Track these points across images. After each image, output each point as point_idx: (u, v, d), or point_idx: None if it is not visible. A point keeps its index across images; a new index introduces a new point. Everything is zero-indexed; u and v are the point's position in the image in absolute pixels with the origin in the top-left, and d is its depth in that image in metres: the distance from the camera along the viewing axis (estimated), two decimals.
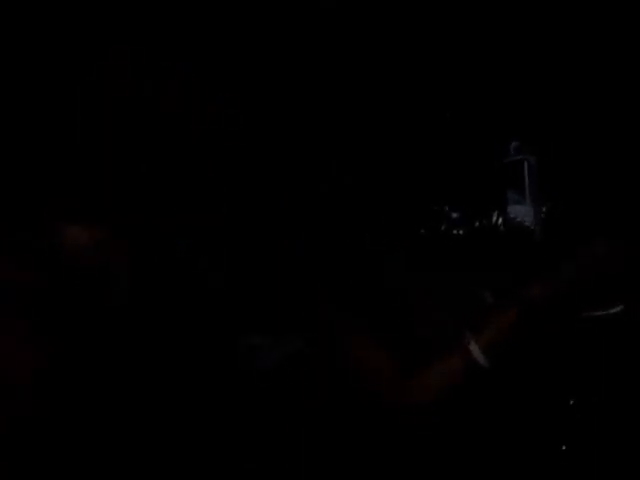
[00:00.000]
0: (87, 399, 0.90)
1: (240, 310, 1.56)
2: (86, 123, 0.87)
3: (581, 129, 1.70)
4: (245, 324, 1.58)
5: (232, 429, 1.13)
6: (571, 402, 1.77)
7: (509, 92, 1.73)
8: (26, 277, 0.93)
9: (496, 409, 1.73)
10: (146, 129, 1.19)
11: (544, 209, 1.75)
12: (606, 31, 1.60)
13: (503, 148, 1.77)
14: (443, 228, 1.81)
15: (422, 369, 1.58)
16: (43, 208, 0.91)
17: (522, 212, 1.77)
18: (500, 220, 1.78)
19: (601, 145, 1.69)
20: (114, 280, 0.99)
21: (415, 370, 1.58)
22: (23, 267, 0.93)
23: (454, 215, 1.81)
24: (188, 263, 1.45)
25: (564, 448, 1.76)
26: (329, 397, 1.67)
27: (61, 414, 0.88)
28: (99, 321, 0.94)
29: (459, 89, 1.76)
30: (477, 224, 1.80)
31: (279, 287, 1.64)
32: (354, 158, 1.77)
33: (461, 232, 1.81)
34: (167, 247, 1.36)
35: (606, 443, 1.74)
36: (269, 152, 1.66)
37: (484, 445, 1.71)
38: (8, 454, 0.85)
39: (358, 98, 1.77)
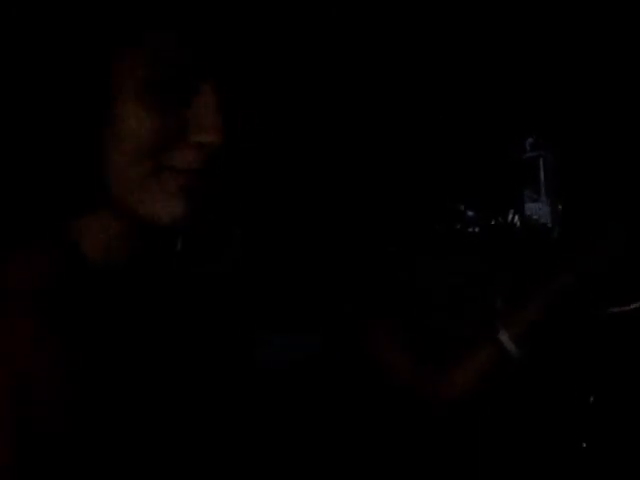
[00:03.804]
0: (103, 396, 0.87)
1: (257, 307, 1.53)
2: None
3: (597, 124, 1.72)
4: (261, 322, 1.55)
5: (243, 427, 1.10)
6: (591, 399, 1.76)
7: (523, 88, 1.74)
8: (43, 276, 0.88)
9: (517, 405, 1.72)
10: None
11: (561, 206, 1.76)
12: (624, 25, 1.63)
13: (519, 145, 1.77)
14: (459, 227, 1.81)
15: (452, 365, 1.57)
16: (64, 206, 0.87)
17: (539, 210, 1.77)
18: (516, 218, 1.78)
19: (618, 140, 1.71)
20: (133, 278, 0.95)
21: (445, 366, 1.57)
22: (40, 266, 0.89)
23: (470, 213, 1.80)
24: (206, 260, 1.41)
25: (584, 445, 1.75)
26: (352, 397, 1.64)
27: (79, 412, 0.85)
28: (115, 319, 0.90)
29: (474, 86, 1.77)
30: (493, 222, 1.79)
31: (297, 285, 1.61)
32: (371, 157, 1.76)
33: (477, 230, 1.80)
34: (187, 244, 1.33)
35: (626, 439, 1.73)
36: (288, 149, 1.65)
37: (506, 438, 1.71)
38: (24, 453, 0.81)
39: (374, 96, 1.76)
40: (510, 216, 1.79)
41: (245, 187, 1.51)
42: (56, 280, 0.85)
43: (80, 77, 0.79)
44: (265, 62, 0.90)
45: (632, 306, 1.71)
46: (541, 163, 1.76)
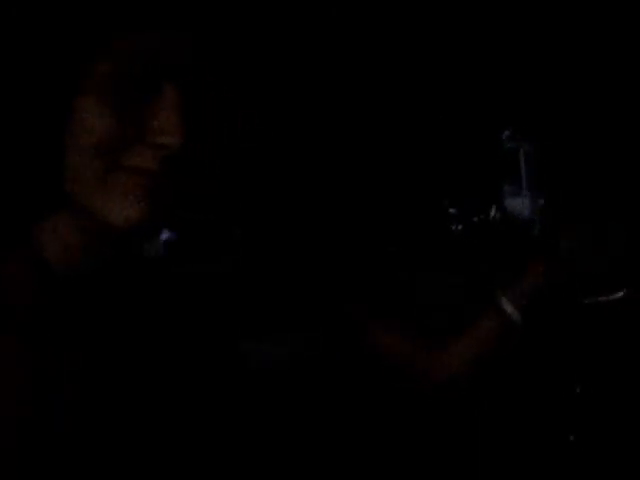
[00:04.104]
0: (101, 397, 0.85)
1: (257, 307, 1.51)
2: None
3: (575, 113, 1.74)
4: (261, 321, 1.52)
5: (241, 427, 1.09)
6: (577, 389, 1.78)
7: (499, 79, 1.76)
8: (28, 285, 0.86)
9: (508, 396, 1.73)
10: None
11: (542, 200, 1.77)
12: (600, 17, 1.66)
13: (496, 138, 1.78)
14: (442, 224, 1.81)
15: (454, 339, 1.58)
16: (22, 207, 0.85)
17: (519, 205, 1.78)
18: (498, 214, 1.80)
19: (598, 128, 1.73)
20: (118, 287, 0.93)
21: (447, 342, 1.58)
22: (27, 276, 0.86)
23: (452, 211, 1.81)
24: (206, 260, 1.38)
25: (572, 438, 1.77)
26: (351, 396, 1.63)
27: (74, 413, 0.83)
28: (86, 321, 0.88)
29: (450, 82, 1.78)
30: (475, 219, 1.80)
31: (297, 284, 1.59)
32: (354, 158, 1.75)
33: (460, 227, 1.81)
34: (180, 246, 1.30)
35: (611, 429, 1.76)
36: (279, 150, 1.63)
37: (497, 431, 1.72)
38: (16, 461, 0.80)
39: (355, 98, 1.76)
40: (492, 212, 1.80)
41: (245, 187, 1.48)
42: (30, 286, 0.82)
43: (43, 72, 0.76)
44: (264, 62, 0.89)
45: (613, 297, 1.74)
46: (521, 155, 1.78)
